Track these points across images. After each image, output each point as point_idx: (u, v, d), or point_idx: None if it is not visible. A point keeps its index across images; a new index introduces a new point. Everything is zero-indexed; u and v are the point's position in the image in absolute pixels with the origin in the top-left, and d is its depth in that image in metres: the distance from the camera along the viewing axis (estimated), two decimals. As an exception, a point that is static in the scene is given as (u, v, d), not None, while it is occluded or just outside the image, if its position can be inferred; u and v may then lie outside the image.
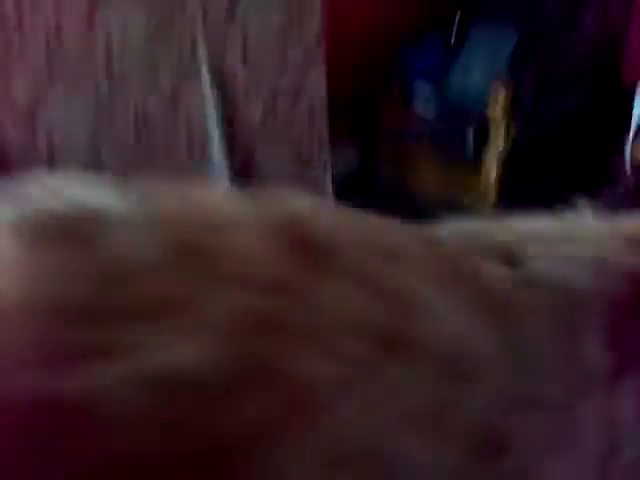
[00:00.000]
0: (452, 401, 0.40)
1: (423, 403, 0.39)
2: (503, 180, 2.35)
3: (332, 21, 2.61)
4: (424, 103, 2.58)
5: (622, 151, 2.11)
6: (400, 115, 2.59)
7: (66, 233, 0.40)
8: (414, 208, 2.12)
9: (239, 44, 2.41)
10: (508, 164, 2.35)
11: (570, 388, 0.45)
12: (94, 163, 2.14)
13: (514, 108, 2.37)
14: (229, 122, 2.38)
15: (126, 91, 2.23)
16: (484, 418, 0.41)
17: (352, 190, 2.40)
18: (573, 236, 0.56)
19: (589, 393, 0.46)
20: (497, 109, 2.33)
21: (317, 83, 2.60)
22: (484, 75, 2.53)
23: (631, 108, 2.39)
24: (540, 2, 2.59)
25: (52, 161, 2.13)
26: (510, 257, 0.52)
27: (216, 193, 0.52)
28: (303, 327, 0.39)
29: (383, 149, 2.63)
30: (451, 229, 0.57)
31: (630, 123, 2.26)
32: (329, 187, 2.50)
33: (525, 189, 2.25)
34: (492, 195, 2.35)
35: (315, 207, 0.48)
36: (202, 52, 2.31)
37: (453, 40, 2.68)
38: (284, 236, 0.42)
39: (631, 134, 2.10)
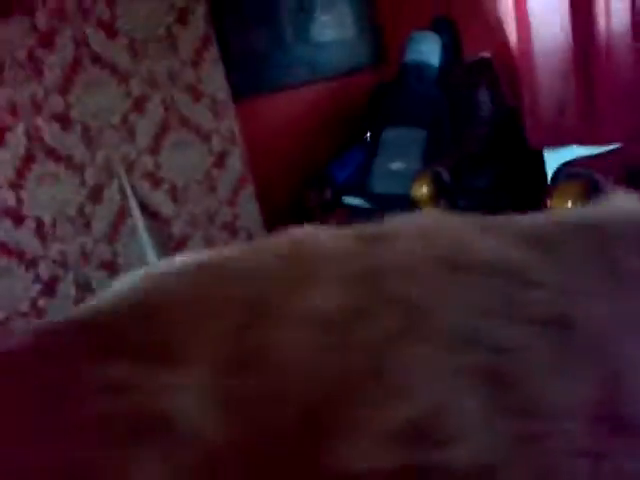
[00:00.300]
0: (518, 297, 0.50)
1: (495, 300, 0.49)
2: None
3: (263, 153, 2.77)
4: (355, 203, 2.70)
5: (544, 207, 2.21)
6: (336, 219, 2.69)
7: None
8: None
9: (168, 193, 2.52)
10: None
11: (616, 285, 0.53)
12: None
13: (438, 190, 2.49)
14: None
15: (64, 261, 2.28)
16: (545, 305, 0.50)
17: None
18: None
19: (635, 288, 0.53)
20: (422, 194, 2.45)
21: (250, 213, 2.71)
22: (403, 166, 2.68)
23: (544, 167, 2.54)
24: (441, 100, 2.82)
25: None
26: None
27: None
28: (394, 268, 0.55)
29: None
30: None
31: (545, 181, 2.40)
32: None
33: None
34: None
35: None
36: (133, 204, 2.40)
37: (371, 142, 2.87)
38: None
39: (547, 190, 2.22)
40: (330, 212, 2.74)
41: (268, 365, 0.47)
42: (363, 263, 0.56)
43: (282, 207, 2.81)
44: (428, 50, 2.89)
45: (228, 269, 0.61)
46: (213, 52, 2.67)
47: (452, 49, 2.93)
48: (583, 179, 2.09)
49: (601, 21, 2.62)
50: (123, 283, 0.59)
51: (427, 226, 0.67)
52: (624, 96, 2.53)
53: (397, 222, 0.67)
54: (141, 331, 0.52)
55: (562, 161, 2.18)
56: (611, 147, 2.37)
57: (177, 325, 0.52)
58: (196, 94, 2.62)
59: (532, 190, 2.51)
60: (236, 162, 2.68)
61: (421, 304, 0.50)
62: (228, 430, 0.42)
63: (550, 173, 2.28)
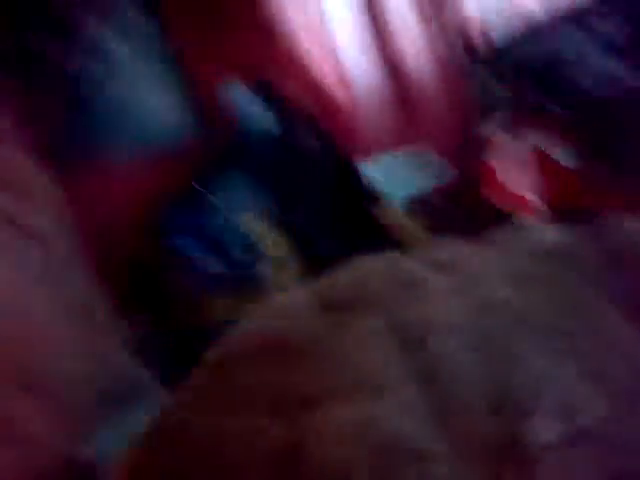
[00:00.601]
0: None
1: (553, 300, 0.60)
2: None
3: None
4: (200, 259, 2.57)
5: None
6: (181, 274, 2.55)
7: None
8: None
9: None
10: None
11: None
12: None
13: (291, 241, 2.43)
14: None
15: None
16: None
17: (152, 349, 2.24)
18: None
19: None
20: (272, 247, 2.37)
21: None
22: (250, 218, 2.62)
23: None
24: (278, 159, 2.82)
25: None
26: None
27: None
28: None
29: (176, 307, 2.55)
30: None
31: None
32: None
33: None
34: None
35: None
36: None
37: (210, 195, 2.78)
38: None
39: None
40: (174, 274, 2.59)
41: (437, 374, 0.51)
42: (456, 278, 0.61)
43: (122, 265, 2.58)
44: (253, 114, 2.88)
45: (348, 300, 0.64)
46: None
47: (277, 107, 2.95)
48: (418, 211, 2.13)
49: (409, 48, 2.75)
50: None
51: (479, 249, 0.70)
52: (441, 116, 2.65)
53: (451, 251, 0.71)
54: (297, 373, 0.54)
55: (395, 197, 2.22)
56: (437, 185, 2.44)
57: (325, 361, 0.54)
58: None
59: (371, 236, 2.52)
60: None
61: (516, 305, 0.58)
62: (446, 445, 0.46)
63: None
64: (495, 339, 0.54)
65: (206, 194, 2.71)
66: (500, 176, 2.18)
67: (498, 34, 2.55)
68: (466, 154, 2.60)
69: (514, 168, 2.14)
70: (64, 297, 0.87)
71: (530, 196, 2.00)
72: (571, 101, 2.27)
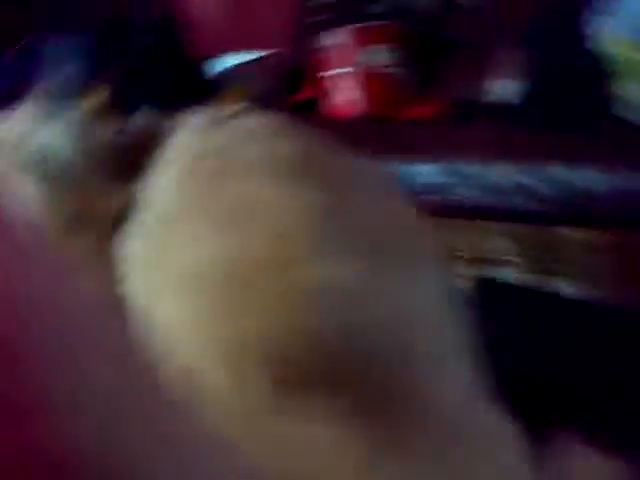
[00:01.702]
0: None
1: None
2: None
3: None
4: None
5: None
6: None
7: None
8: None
9: None
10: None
11: None
12: None
13: (117, 101, 2.26)
14: None
15: None
16: None
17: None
18: None
19: None
20: (93, 106, 2.20)
21: None
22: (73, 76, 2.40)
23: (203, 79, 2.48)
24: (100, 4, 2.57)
25: None
26: None
27: None
28: None
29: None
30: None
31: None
32: None
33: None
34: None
35: None
36: None
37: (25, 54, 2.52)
38: None
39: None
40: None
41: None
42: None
43: None
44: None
45: None
46: None
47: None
48: (246, 84, 2.07)
49: None
50: None
51: None
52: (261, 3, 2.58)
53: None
54: None
55: (221, 70, 2.13)
56: (267, 52, 2.38)
57: None
58: None
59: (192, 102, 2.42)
60: None
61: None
62: None
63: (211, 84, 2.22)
64: None
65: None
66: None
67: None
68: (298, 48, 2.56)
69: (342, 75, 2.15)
70: None
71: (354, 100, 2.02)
72: (396, 11, 2.29)
